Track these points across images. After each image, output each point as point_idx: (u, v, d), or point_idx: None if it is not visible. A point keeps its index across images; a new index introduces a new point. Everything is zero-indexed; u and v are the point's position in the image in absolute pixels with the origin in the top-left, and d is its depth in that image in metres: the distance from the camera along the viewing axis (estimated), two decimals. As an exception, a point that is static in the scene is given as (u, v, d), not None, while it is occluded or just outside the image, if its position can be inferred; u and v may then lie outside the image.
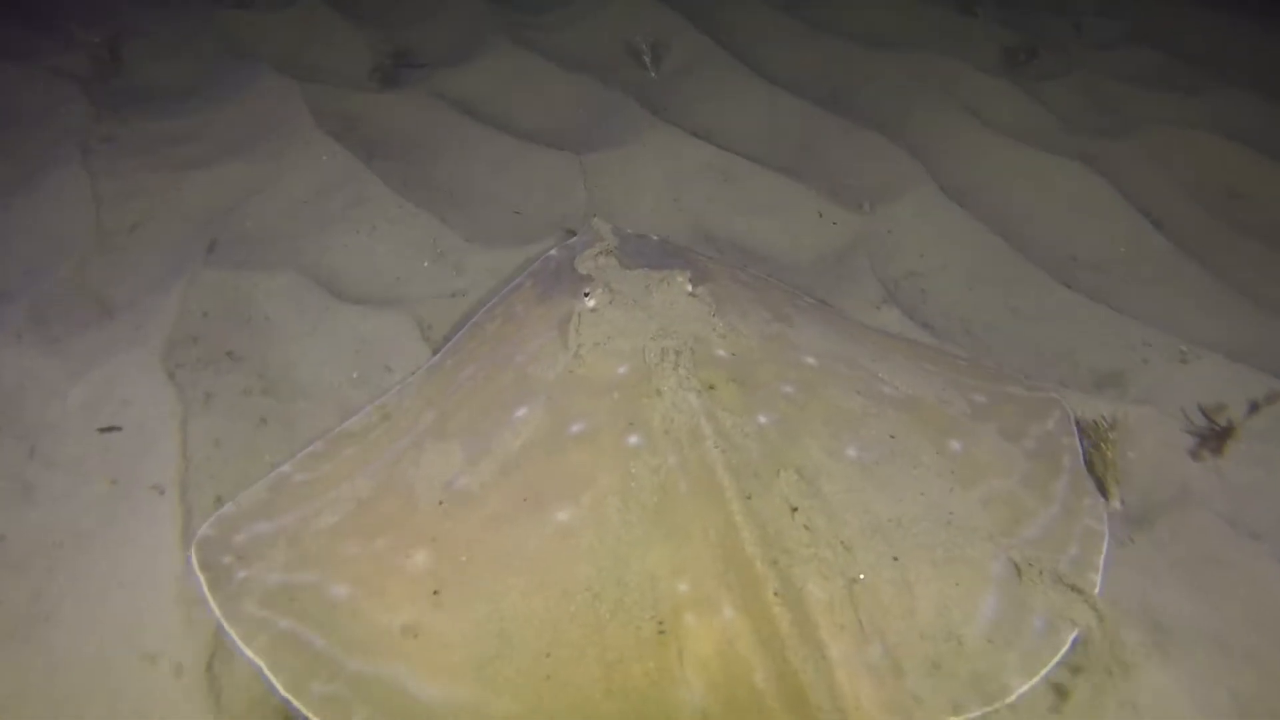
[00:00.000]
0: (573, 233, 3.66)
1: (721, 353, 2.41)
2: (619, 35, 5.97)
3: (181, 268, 3.70)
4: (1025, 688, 1.92)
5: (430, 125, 4.86)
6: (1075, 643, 2.04)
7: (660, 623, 1.94)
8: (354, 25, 5.98)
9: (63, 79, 5.06)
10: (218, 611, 2.17)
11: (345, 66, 5.63)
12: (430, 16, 6.25)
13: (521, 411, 2.36)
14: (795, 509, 2.07)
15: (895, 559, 2.06)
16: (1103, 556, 2.25)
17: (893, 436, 2.36)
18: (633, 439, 2.19)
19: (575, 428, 2.26)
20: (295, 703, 1.95)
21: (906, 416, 2.45)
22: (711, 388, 2.28)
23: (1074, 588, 2.11)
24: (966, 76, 5.36)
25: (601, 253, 2.83)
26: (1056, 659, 1.99)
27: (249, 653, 2.05)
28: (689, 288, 2.56)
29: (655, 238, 3.28)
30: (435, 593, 2.08)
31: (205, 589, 2.22)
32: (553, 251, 3.16)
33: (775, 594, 1.91)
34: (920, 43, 6.12)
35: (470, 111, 5.05)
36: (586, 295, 2.56)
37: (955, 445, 2.42)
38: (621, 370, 2.35)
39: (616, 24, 6.08)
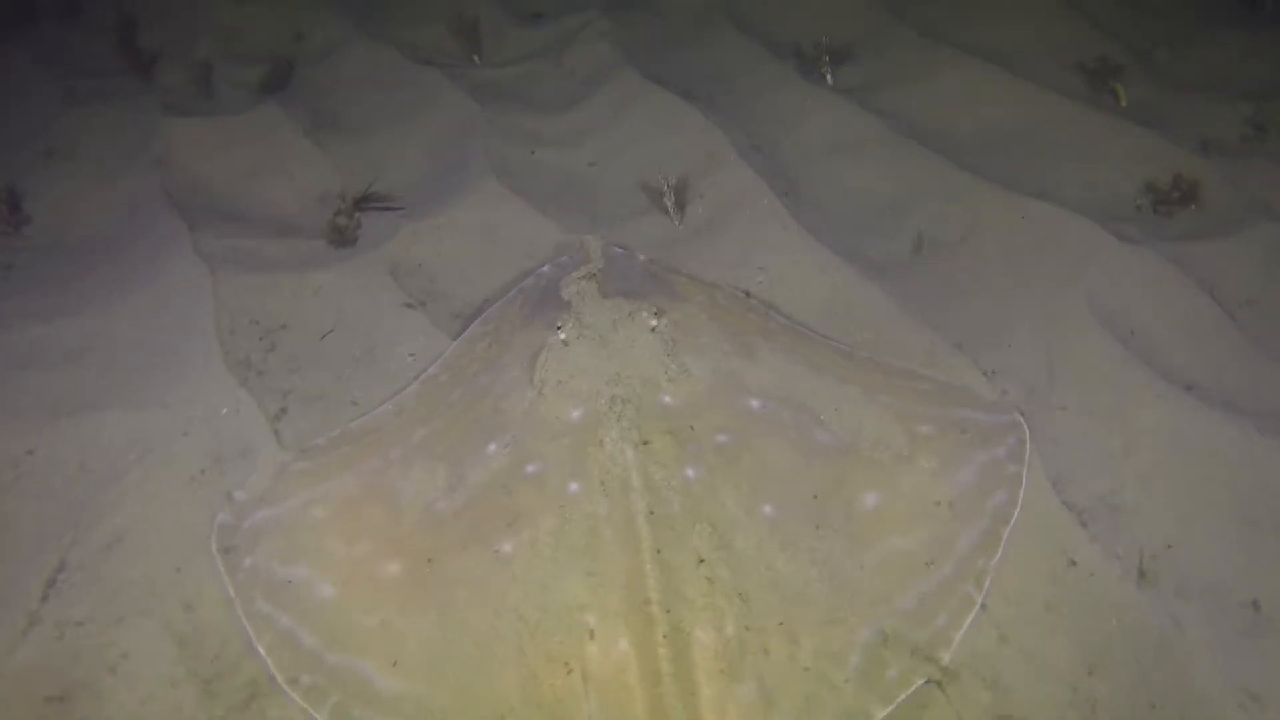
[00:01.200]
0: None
1: (667, 399, 2.64)
2: (636, 152, 4.69)
3: (4, 619, 2.80)
4: (884, 712, 2.29)
5: (369, 328, 3.77)
6: (925, 683, 2.37)
7: (569, 648, 2.30)
8: (315, 138, 4.88)
9: (-54, 254, 4.18)
10: (238, 606, 2.63)
11: (297, 203, 4.57)
12: (410, 120, 5.08)
13: (492, 447, 2.68)
14: (702, 560, 2.36)
15: (785, 616, 2.36)
16: (963, 630, 2.48)
17: (815, 497, 2.59)
18: (573, 486, 2.51)
19: (530, 469, 2.58)
20: (289, 690, 2.43)
21: (832, 472, 2.65)
22: (647, 442, 2.53)
23: (928, 658, 2.41)
24: (1096, 243, 3.89)
25: (586, 276, 3.09)
26: (908, 691, 2.34)
27: (260, 648, 2.53)
28: (652, 323, 2.78)
29: (642, 258, 3.55)
30: (402, 601, 2.47)
31: (225, 576, 2.70)
32: (545, 268, 3.49)
33: (664, 636, 2.24)
34: (1032, 159, 4.63)
35: (426, 296, 3.94)
36: (559, 329, 2.81)
37: (871, 501, 2.63)
38: (575, 415, 2.63)
39: (634, 135, 4.80)
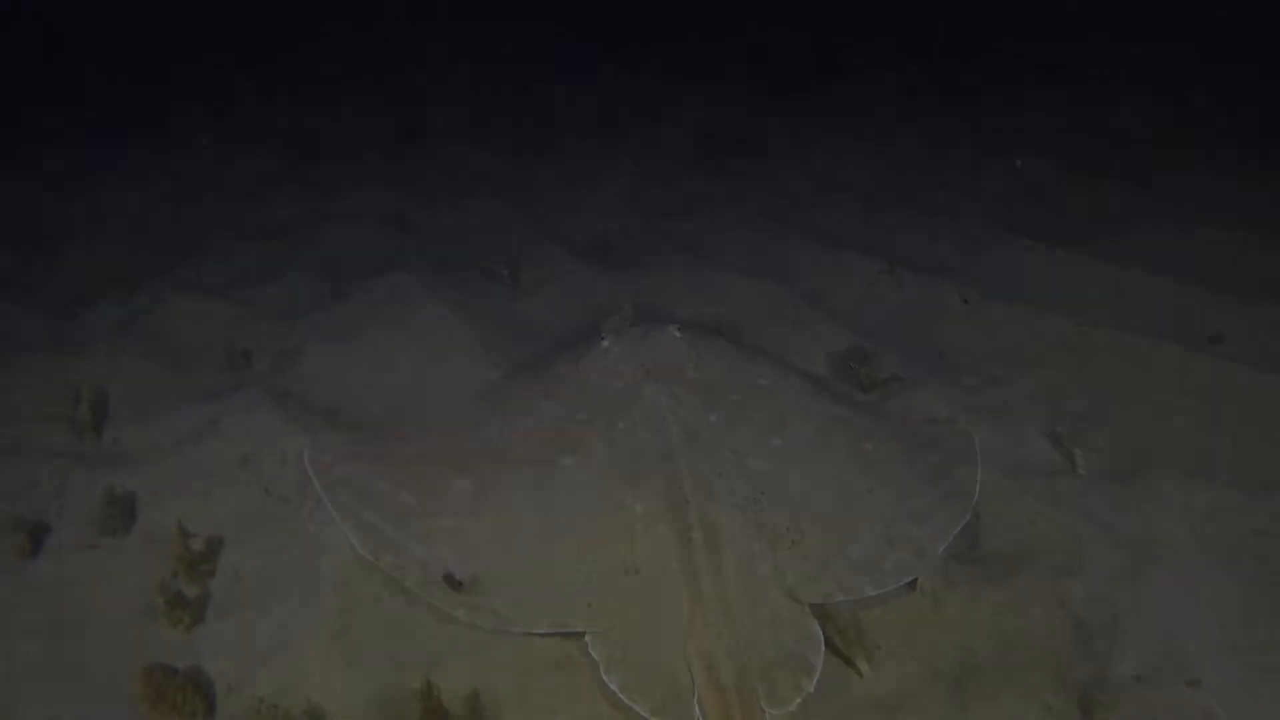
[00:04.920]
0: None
1: (692, 374, 3.57)
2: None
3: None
4: (873, 592, 2.91)
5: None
6: (911, 582, 3.02)
7: (619, 526, 2.99)
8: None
9: None
10: (324, 497, 3.18)
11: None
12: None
13: (545, 404, 3.53)
14: (723, 474, 3.13)
15: (796, 515, 3.08)
16: (959, 527, 3.14)
17: (818, 437, 3.41)
18: (620, 424, 3.34)
19: (581, 415, 3.43)
20: (374, 562, 2.97)
21: (832, 423, 3.51)
22: (677, 394, 3.42)
23: (925, 555, 3.04)
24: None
25: (620, 319, 4.30)
26: (896, 584, 2.96)
27: (345, 528, 3.05)
28: (677, 334, 3.75)
29: (674, 328, 4.11)
30: (471, 509, 3.12)
31: (314, 478, 3.25)
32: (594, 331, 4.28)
33: (696, 520, 2.94)
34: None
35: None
36: (602, 338, 3.78)
37: (868, 446, 3.45)
38: (617, 385, 3.52)
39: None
